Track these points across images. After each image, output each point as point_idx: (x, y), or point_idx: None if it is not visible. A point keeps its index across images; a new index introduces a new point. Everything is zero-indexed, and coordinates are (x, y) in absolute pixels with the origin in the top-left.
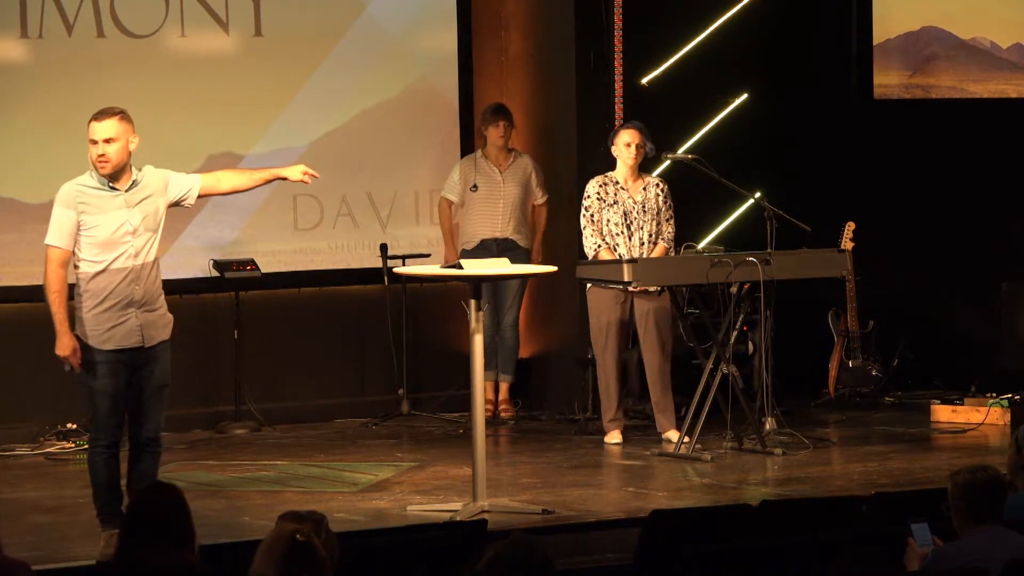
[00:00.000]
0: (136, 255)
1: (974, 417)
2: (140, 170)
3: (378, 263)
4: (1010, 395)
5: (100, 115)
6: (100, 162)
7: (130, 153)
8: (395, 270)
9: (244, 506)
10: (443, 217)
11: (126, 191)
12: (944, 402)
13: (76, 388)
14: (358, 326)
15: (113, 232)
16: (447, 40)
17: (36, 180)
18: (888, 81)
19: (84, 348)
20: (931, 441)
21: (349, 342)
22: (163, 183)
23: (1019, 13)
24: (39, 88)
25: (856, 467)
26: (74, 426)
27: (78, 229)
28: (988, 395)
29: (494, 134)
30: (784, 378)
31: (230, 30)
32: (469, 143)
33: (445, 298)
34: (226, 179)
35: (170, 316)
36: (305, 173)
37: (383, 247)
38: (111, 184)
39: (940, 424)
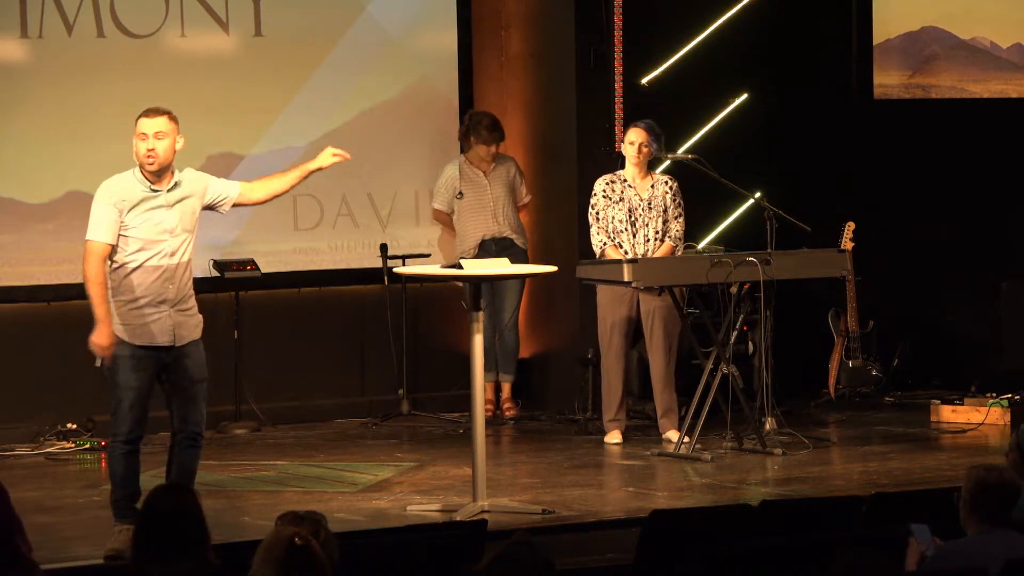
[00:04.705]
0: (172, 254)
1: (974, 417)
2: (181, 171)
3: (378, 263)
4: (1010, 395)
5: (151, 112)
6: (149, 156)
7: (175, 153)
8: (395, 270)
9: (244, 506)
10: (444, 225)
11: (167, 191)
12: (944, 402)
13: (96, 384)
14: (358, 326)
15: (151, 231)
16: (447, 40)
17: (36, 180)
18: (888, 81)
19: (115, 342)
20: (931, 441)
21: (349, 342)
22: (203, 186)
23: (1019, 13)
24: (39, 88)
25: (856, 467)
26: (74, 426)
27: (120, 225)
28: (988, 395)
29: (484, 151)
30: (784, 378)
31: (230, 30)
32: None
33: (445, 298)
34: (261, 188)
35: (200, 316)
36: (335, 155)
37: (383, 247)
38: (152, 187)
39: (940, 424)
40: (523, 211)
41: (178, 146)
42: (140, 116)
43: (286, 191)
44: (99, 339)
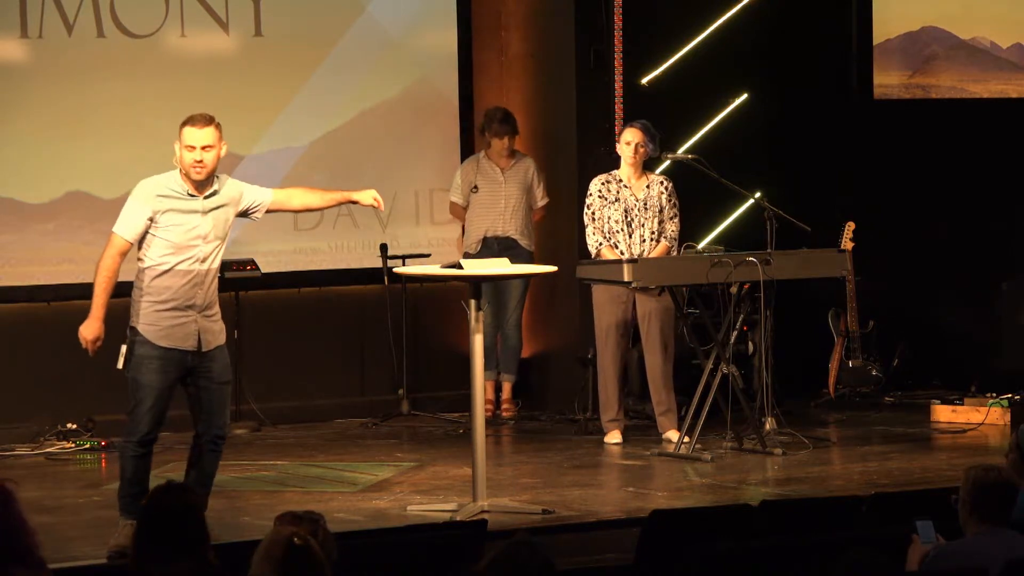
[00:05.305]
0: (203, 260)
1: (974, 417)
2: (219, 178)
3: (378, 263)
4: (1010, 395)
5: (198, 121)
6: (197, 168)
7: (219, 161)
8: (395, 270)
9: (244, 506)
10: (458, 218)
11: (204, 197)
12: (944, 402)
13: (96, 384)
14: (358, 326)
15: (184, 236)
16: (447, 40)
17: (36, 180)
18: (888, 81)
19: (140, 342)
20: (931, 441)
21: (349, 342)
22: (238, 194)
23: (1019, 13)
24: (39, 88)
25: (856, 467)
26: (74, 426)
27: (149, 227)
28: (988, 395)
29: (498, 145)
30: (784, 378)
31: (230, 30)
32: (469, 143)
33: (445, 298)
34: (298, 197)
35: (223, 323)
36: (375, 200)
37: (383, 247)
38: (190, 192)
39: (940, 424)
40: (539, 213)
41: (222, 153)
42: (186, 124)
43: (319, 208)
44: (86, 332)
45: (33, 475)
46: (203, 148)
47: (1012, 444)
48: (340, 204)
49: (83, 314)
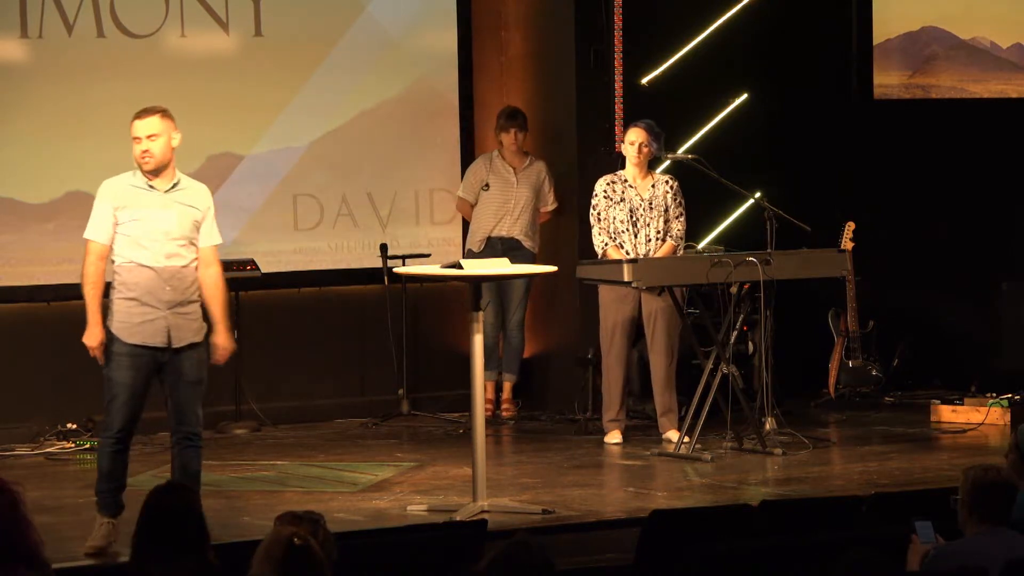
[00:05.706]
0: (169, 256)
1: (974, 417)
2: (189, 180)
3: (378, 263)
4: (1010, 395)
5: (142, 113)
6: (144, 158)
7: (173, 150)
8: (395, 270)
9: (244, 506)
10: (464, 214)
11: (166, 191)
12: (944, 402)
13: (95, 383)
14: (358, 326)
15: (148, 230)
16: (447, 40)
17: (36, 180)
18: (888, 81)
19: (111, 339)
20: (931, 441)
21: (349, 342)
22: (205, 207)
23: (1019, 13)
24: (39, 88)
25: (856, 467)
26: (74, 426)
27: (115, 224)
28: (988, 395)
29: (506, 140)
30: (784, 378)
31: (230, 30)
32: (469, 143)
33: (445, 298)
34: (209, 283)
35: (202, 322)
36: (225, 351)
37: (383, 247)
38: (150, 184)
39: (940, 424)
40: (545, 217)
41: (174, 143)
42: (133, 118)
43: (206, 304)
44: (90, 340)
45: (33, 475)
46: (148, 137)
47: (1012, 444)
48: (212, 321)
49: (83, 314)
